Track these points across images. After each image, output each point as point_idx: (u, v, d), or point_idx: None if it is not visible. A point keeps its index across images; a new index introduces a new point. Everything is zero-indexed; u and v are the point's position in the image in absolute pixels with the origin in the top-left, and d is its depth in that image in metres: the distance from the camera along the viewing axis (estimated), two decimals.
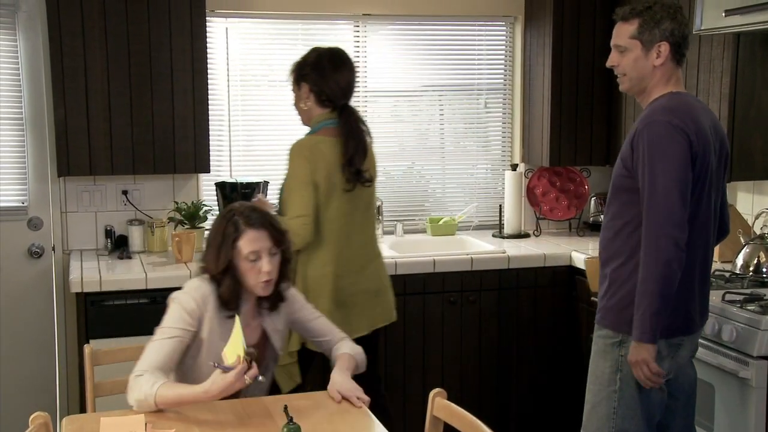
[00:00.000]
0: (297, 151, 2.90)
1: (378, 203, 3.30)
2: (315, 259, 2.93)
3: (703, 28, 3.05)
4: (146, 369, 2.22)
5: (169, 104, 3.51)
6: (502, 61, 4.30)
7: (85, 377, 2.55)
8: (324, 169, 2.86)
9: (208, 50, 3.62)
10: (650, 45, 2.43)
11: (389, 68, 4.16)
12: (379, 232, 4.04)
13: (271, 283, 2.35)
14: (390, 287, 3.14)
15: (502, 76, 4.31)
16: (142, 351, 2.31)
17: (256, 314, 2.46)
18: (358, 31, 4.08)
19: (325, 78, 2.91)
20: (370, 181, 2.96)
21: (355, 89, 3.04)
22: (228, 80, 3.94)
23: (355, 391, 2.30)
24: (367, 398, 2.29)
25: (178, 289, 3.13)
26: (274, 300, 2.45)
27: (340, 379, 2.35)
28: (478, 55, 4.27)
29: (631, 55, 2.45)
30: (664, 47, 2.43)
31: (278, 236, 2.34)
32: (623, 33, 2.47)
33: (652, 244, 2.29)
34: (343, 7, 4.00)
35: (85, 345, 2.59)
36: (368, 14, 4.06)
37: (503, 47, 4.28)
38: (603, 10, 3.88)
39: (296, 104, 3.05)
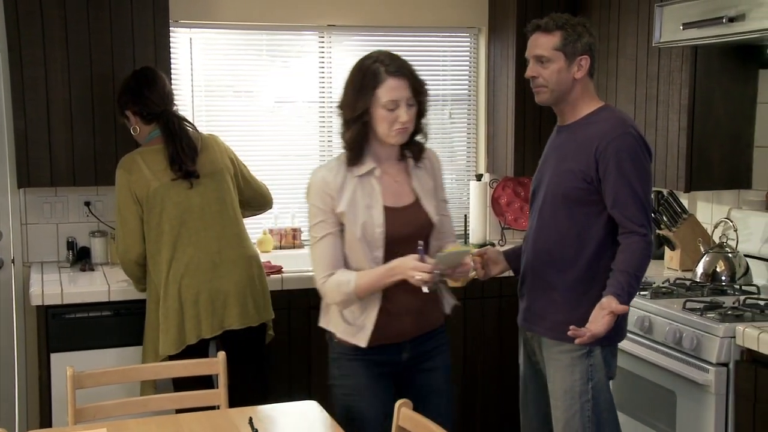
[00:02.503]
0: (117, 169, 3.03)
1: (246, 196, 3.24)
2: (157, 263, 2.95)
3: (662, 40, 3.11)
4: (328, 271, 2.36)
5: None
6: (467, 72, 4.33)
7: (67, 401, 2.39)
8: (144, 178, 2.94)
9: (172, 61, 3.60)
10: (573, 58, 2.48)
11: None
12: None
13: (405, 132, 2.34)
14: (258, 287, 3.07)
15: (467, 86, 4.34)
16: (127, 374, 2.29)
17: (401, 170, 2.44)
18: (323, 42, 4.09)
19: (143, 100, 3.02)
20: (198, 176, 2.97)
21: (174, 94, 3.15)
22: (192, 91, 3.92)
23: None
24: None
25: (142, 301, 3.15)
26: (415, 149, 2.44)
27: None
28: (443, 66, 4.30)
29: (554, 67, 2.48)
30: (585, 61, 2.49)
31: (418, 86, 2.33)
32: (545, 44, 2.49)
33: (642, 241, 2.41)
34: (307, 18, 4.01)
35: (67, 367, 2.43)
36: (333, 25, 4.07)
37: (467, 58, 4.32)
38: None
39: (132, 134, 3.12)
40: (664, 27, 3.07)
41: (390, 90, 2.29)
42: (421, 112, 2.38)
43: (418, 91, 2.33)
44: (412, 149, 2.43)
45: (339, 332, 2.47)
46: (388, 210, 2.36)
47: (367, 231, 2.34)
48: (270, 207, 3.40)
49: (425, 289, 2.24)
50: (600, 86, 3.82)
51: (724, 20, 2.74)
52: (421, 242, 2.28)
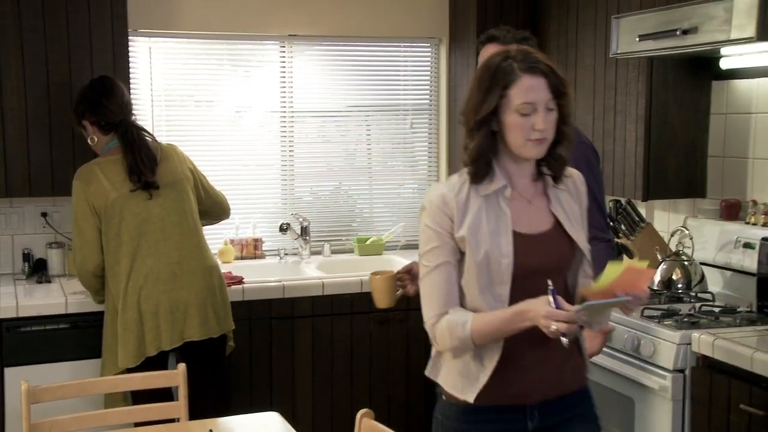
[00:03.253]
0: (74, 179, 2.99)
1: (207, 207, 3.21)
2: (115, 274, 2.93)
3: (618, 51, 3.15)
4: (441, 310, 1.94)
5: None
6: (428, 82, 4.36)
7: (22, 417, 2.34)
8: (102, 189, 2.91)
9: (131, 70, 3.57)
10: None
11: (316, 88, 4.17)
12: (308, 250, 4.04)
13: (543, 143, 1.92)
14: (219, 298, 3.05)
15: (428, 96, 4.37)
16: (84, 387, 2.22)
17: (538, 191, 2.01)
18: (284, 52, 4.08)
19: (101, 110, 2.99)
20: (158, 187, 2.95)
21: (132, 104, 3.12)
22: (152, 100, 3.89)
23: None
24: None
25: (100, 313, 3.10)
26: (556, 166, 2.00)
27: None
28: (404, 75, 4.32)
29: None
30: None
31: (559, 86, 1.92)
32: None
33: (608, 246, 2.51)
34: (268, 27, 4.00)
35: (21, 382, 2.37)
36: (294, 35, 4.07)
37: (428, 68, 4.34)
38: (524, 29, 3.97)
39: (90, 144, 3.09)
40: (621, 38, 3.12)
41: (525, 90, 1.88)
42: (562, 119, 1.94)
43: (559, 93, 1.91)
44: (552, 165, 1.99)
45: (448, 385, 2.01)
46: (518, 237, 1.93)
47: (491, 262, 1.90)
48: (227, 216, 3.38)
49: (564, 342, 1.79)
50: None
51: (678, 32, 2.80)
52: (550, 282, 1.82)
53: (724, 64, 3.15)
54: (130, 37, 3.54)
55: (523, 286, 1.89)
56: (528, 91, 1.88)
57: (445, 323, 1.92)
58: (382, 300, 2.65)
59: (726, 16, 2.63)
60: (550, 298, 1.79)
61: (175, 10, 3.83)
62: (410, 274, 2.64)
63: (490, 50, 2.51)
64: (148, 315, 2.90)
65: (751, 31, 2.54)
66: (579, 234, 2.00)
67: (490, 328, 1.88)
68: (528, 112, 1.88)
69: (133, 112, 3.12)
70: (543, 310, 1.78)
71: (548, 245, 1.97)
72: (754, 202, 3.10)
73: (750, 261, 3.00)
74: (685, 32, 2.79)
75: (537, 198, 2.00)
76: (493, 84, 1.89)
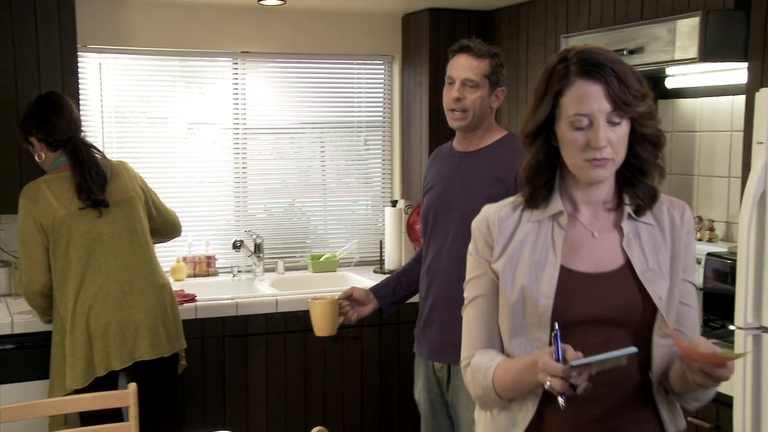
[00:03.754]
0: (21, 197, 2.94)
1: (159, 225, 3.15)
2: (63, 293, 2.88)
3: None
4: (470, 353, 1.67)
5: None
6: (381, 99, 4.38)
7: None
8: (49, 207, 2.87)
9: (81, 87, 3.52)
10: (495, 87, 2.54)
11: (269, 105, 4.17)
12: (262, 267, 4.01)
13: (606, 166, 1.53)
14: (170, 317, 3.00)
15: (381, 113, 4.39)
16: (31, 409, 2.15)
17: (609, 221, 1.63)
18: (236, 69, 4.07)
19: (48, 126, 2.95)
20: (107, 205, 2.91)
21: (81, 120, 3.07)
22: (102, 117, 3.84)
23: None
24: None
25: (48, 333, 3.04)
26: (643, 194, 1.61)
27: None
28: (357, 92, 4.34)
29: (479, 93, 2.51)
30: (502, 93, 2.57)
31: (628, 93, 1.52)
32: (475, 69, 2.50)
33: None
34: (221, 44, 3.99)
35: None
36: (247, 52, 4.06)
37: (382, 85, 4.37)
38: None
39: (37, 161, 3.04)
40: None
41: (577, 99, 1.52)
42: (640, 135, 1.56)
43: (625, 102, 1.52)
44: (636, 193, 1.61)
45: (480, 427, 1.72)
46: (567, 274, 1.57)
47: (526, 302, 1.57)
48: (179, 234, 3.33)
49: (561, 403, 1.42)
50: (511, 113, 3.92)
51: (624, 52, 2.86)
52: (557, 327, 1.46)
53: (670, 83, 3.23)
54: (79, 53, 3.50)
55: (574, 338, 1.46)
56: (581, 100, 1.52)
57: (470, 367, 1.65)
58: (322, 327, 2.58)
59: (670, 37, 2.70)
60: (554, 346, 1.44)
61: (126, 26, 3.79)
62: (350, 299, 2.62)
63: (468, 62, 2.50)
64: (97, 335, 2.85)
65: (693, 52, 2.62)
66: (657, 283, 1.57)
67: (510, 378, 1.55)
68: (582, 126, 1.53)
69: (83, 128, 3.07)
70: (541, 359, 1.43)
71: (607, 290, 1.56)
72: (699, 219, 3.17)
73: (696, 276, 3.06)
74: (631, 52, 2.85)
75: (606, 231, 1.61)
76: (547, 90, 1.58)
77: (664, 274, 1.59)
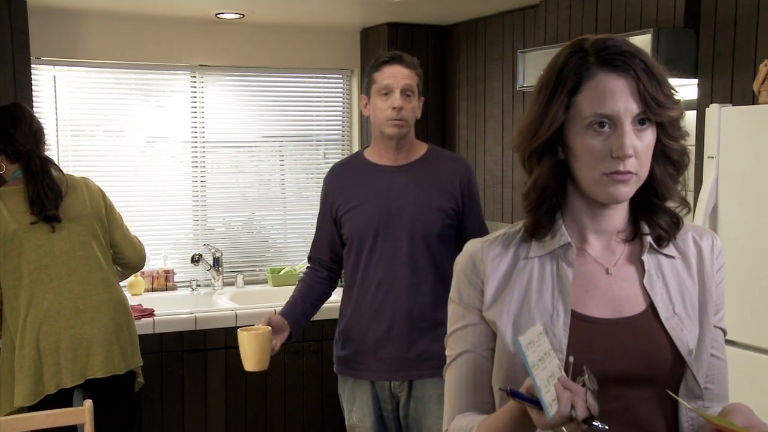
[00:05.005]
0: None
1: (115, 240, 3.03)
2: (14, 308, 2.83)
3: (525, 84, 3.26)
4: (450, 416, 1.33)
5: None
6: (340, 113, 4.39)
7: None
8: (2, 219, 2.82)
9: (35, 99, 3.47)
10: (419, 97, 2.57)
11: (228, 118, 4.15)
12: (221, 281, 3.98)
13: (629, 181, 1.22)
14: (126, 333, 2.94)
15: (341, 127, 4.40)
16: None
17: (627, 256, 1.32)
18: (195, 82, 4.05)
19: (7, 138, 2.89)
20: (58, 221, 2.85)
21: (44, 133, 2.98)
22: (57, 130, 3.79)
23: None
24: None
25: None
26: (665, 222, 1.30)
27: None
28: (317, 106, 4.35)
29: (414, 102, 2.54)
30: (422, 102, 2.59)
31: (656, 95, 1.20)
32: (411, 78, 2.51)
33: None
34: (178, 57, 3.97)
35: None
36: (205, 65, 4.04)
37: (341, 99, 4.38)
38: (435, 62, 4.07)
39: None
40: (527, 72, 3.23)
41: (598, 96, 1.21)
42: (661, 150, 1.25)
43: (657, 102, 1.21)
44: (655, 221, 1.30)
45: None
46: (581, 322, 1.26)
47: None
48: (142, 265, 3.18)
49: (600, 427, 1.09)
50: (470, 128, 3.97)
51: None
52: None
53: None
54: (32, 65, 3.45)
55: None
56: (603, 97, 1.20)
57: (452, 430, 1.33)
58: (258, 361, 2.41)
59: None
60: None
61: (81, 38, 3.76)
62: (270, 325, 2.49)
63: (404, 71, 2.50)
64: (48, 352, 2.80)
65: None
66: (685, 331, 1.26)
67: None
68: (603, 131, 1.21)
69: (46, 142, 3.00)
70: (557, 386, 1.09)
71: (629, 340, 1.25)
72: None
73: None
74: None
75: (623, 266, 1.30)
76: (558, 88, 1.23)
77: (692, 320, 1.27)
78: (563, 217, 1.30)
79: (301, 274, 2.82)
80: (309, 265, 2.77)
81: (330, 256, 2.69)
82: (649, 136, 1.22)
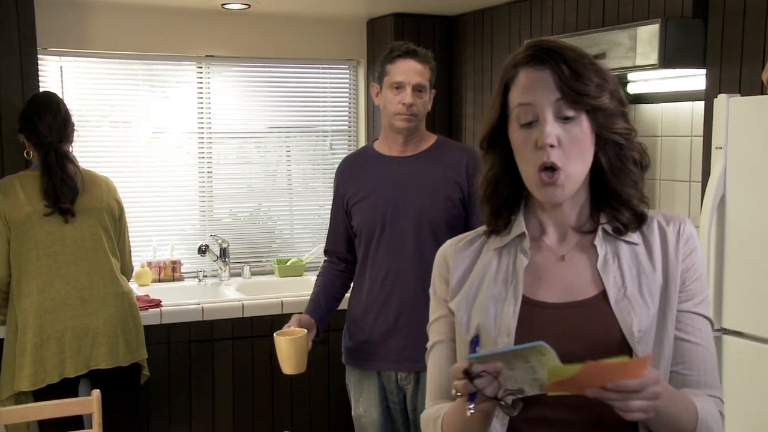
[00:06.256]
0: None
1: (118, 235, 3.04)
2: (20, 292, 2.84)
3: None
4: (431, 401, 1.42)
5: None
6: (347, 103, 4.39)
7: None
8: (17, 202, 2.84)
9: (42, 90, 3.46)
10: (430, 90, 2.57)
11: (235, 109, 4.15)
12: (227, 272, 3.99)
13: (559, 182, 1.26)
14: (131, 326, 2.95)
15: (347, 117, 4.39)
16: (3, 416, 2.10)
17: (581, 244, 1.35)
18: (201, 72, 4.05)
19: (31, 126, 2.92)
20: (72, 215, 2.87)
21: (72, 126, 2.98)
22: None
23: None
24: None
25: None
26: (624, 216, 1.32)
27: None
28: (323, 97, 4.34)
29: (425, 97, 2.55)
30: (433, 94, 2.59)
31: (575, 84, 1.25)
32: (423, 74, 2.52)
33: None
34: (185, 47, 3.96)
35: None
36: (211, 56, 4.04)
37: (347, 90, 4.38)
38: (441, 53, 4.06)
39: (26, 156, 3.02)
40: None
41: (522, 89, 1.29)
42: (605, 144, 1.30)
43: (577, 90, 1.25)
44: (615, 216, 1.33)
45: None
46: (531, 306, 1.31)
47: (485, 340, 1.31)
48: (128, 278, 3.16)
49: (468, 409, 1.17)
50: (476, 118, 3.96)
51: None
52: (476, 335, 1.31)
53: (631, 89, 3.28)
54: (39, 56, 3.45)
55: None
56: (525, 88, 1.28)
57: (422, 422, 1.42)
58: (296, 365, 2.43)
59: (631, 43, 2.75)
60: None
61: (88, 28, 3.75)
62: (301, 326, 2.51)
63: (416, 67, 2.50)
64: (52, 340, 2.81)
65: (653, 58, 2.67)
66: (634, 313, 1.27)
67: (453, 421, 1.29)
68: (528, 121, 1.27)
69: (73, 134, 2.97)
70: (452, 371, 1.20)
71: (579, 323, 1.28)
72: None
73: None
74: (595, 57, 2.89)
75: (577, 253, 1.34)
76: (498, 90, 1.33)
77: (648, 304, 1.28)
78: (525, 211, 1.37)
79: (320, 268, 2.82)
80: (326, 258, 2.79)
81: (345, 247, 2.70)
82: (577, 128, 1.26)
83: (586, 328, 1.27)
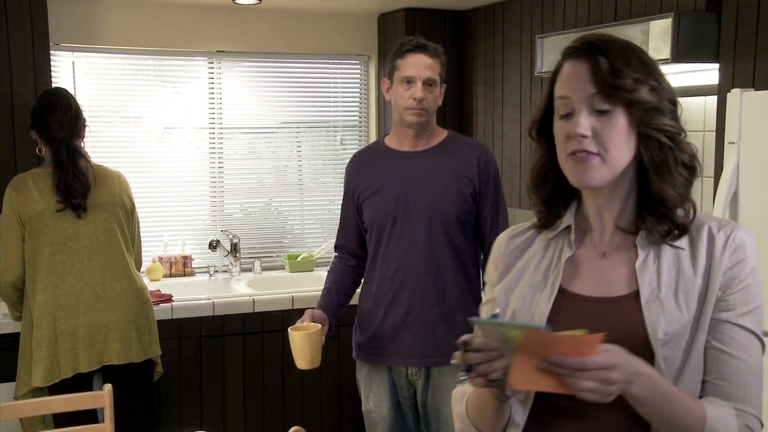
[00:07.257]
0: (8, 186, 2.91)
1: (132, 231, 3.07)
2: (34, 289, 2.85)
3: (543, 70, 3.24)
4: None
5: (10, 140, 3.35)
6: (357, 99, 4.38)
7: None
8: (30, 199, 2.85)
9: (54, 85, 3.48)
10: (442, 85, 2.57)
11: (245, 104, 4.15)
12: (238, 267, 4.00)
13: (589, 166, 1.27)
14: (144, 322, 2.96)
15: (358, 113, 4.39)
16: (3, 411, 2.11)
17: (624, 243, 1.35)
18: (212, 68, 4.05)
19: (42, 122, 2.92)
20: (84, 210, 2.87)
21: (83, 122, 2.98)
22: None
23: None
24: None
25: (14, 335, 2.99)
26: (669, 219, 1.30)
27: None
28: (334, 92, 4.34)
29: (436, 92, 2.55)
30: (444, 89, 2.59)
31: (611, 79, 1.25)
32: (434, 68, 2.52)
33: None
34: (196, 43, 3.97)
35: None
36: (222, 51, 4.04)
37: (358, 85, 4.37)
38: (452, 48, 4.05)
39: (38, 153, 3.02)
40: (545, 57, 3.21)
41: (562, 82, 1.31)
42: (647, 137, 1.29)
43: (612, 85, 1.25)
44: (656, 215, 1.30)
45: None
46: (566, 297, 1.34)
47: None
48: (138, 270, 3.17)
49: (459, 376, 1.32)
50: (487, 114, 3.95)
51: None
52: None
53: None
54: (51, 51, 3.46)
55: None
56: (564, 82, 1.30)
57: (452, 398, 1.46)
58: (310, 359, 2.44)
59: (643, 38, 2.73)
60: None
61: (100, 24, 3.76)
62: (314, 321, 2.53)
63: (427, 61, 2.51)
64: (65, 336, 2.82)
65: (666, 53, 2.65)
66: (664, 316, 1.26)
67: (475, 401, 1.34)
68: (566, 113, 1.29)
69: (84, 130, 2.99)
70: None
71: (608, 319, 1.28)
72: None
73: None
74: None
75: (618, 251, 1.34)
76: (551, 77, 1.36)
77: (682, 309, 1.26)
78: (578, 206, 1.39)
79: (330, 264, 2.83)
80: (337, 253, 2.79)
81: (356, 242, 2.70)
82: (613, 122, 1.25)
83: (612, 325, 1.25)
